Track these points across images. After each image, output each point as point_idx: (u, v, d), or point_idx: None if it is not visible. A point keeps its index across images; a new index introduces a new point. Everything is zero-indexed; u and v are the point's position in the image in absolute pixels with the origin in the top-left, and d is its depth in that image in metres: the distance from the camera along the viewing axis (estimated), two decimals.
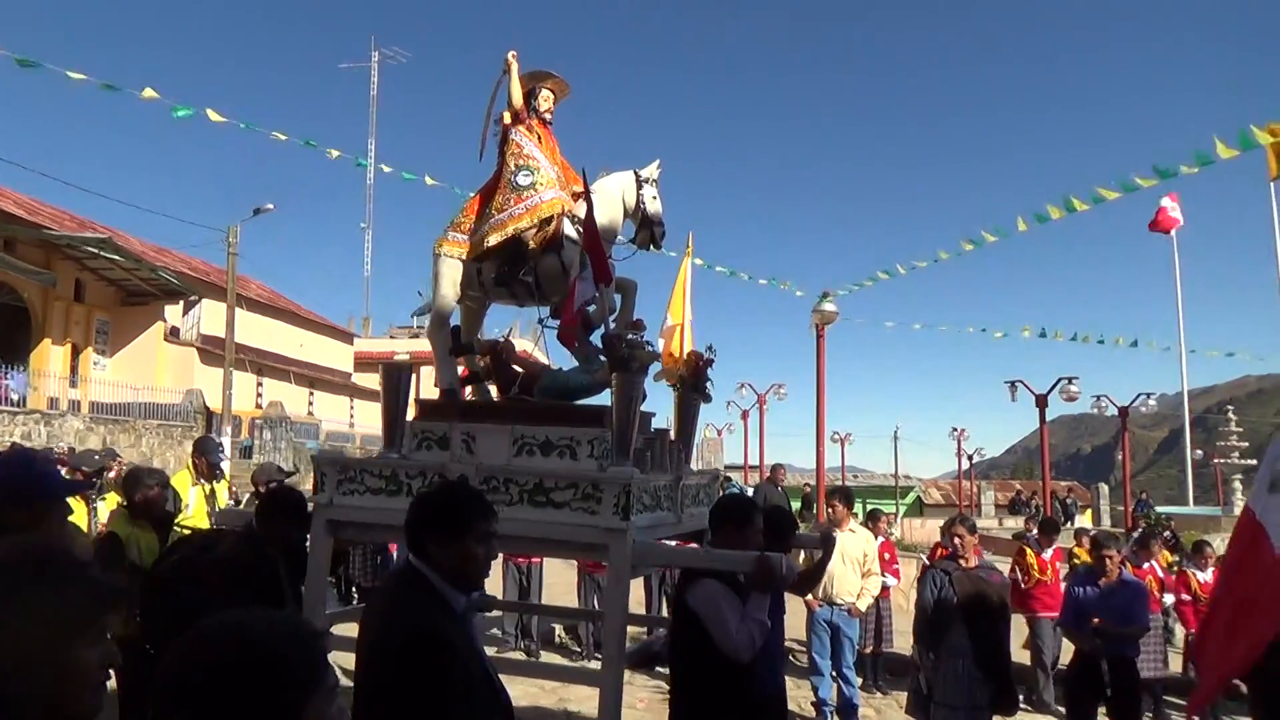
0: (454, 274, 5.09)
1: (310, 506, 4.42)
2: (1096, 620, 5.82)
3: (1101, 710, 6.00)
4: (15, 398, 21.30)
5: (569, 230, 4.84)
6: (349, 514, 4.32)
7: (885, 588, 8.46)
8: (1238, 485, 25.42)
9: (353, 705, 2.31)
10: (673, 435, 4.94)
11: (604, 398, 4.77)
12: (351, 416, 39.36)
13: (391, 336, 52.80)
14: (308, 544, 4.63)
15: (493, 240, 4.87)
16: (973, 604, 5.52)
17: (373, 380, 45.12)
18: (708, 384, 5.16)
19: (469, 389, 5.30)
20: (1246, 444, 27.13)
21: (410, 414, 4.65)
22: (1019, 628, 9.02)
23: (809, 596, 7.03)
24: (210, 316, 30.06)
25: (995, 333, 22.82)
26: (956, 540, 5.94)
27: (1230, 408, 29.82)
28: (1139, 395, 21.50)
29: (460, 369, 5.26)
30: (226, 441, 23.29)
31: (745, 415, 28.96)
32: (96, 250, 24.14)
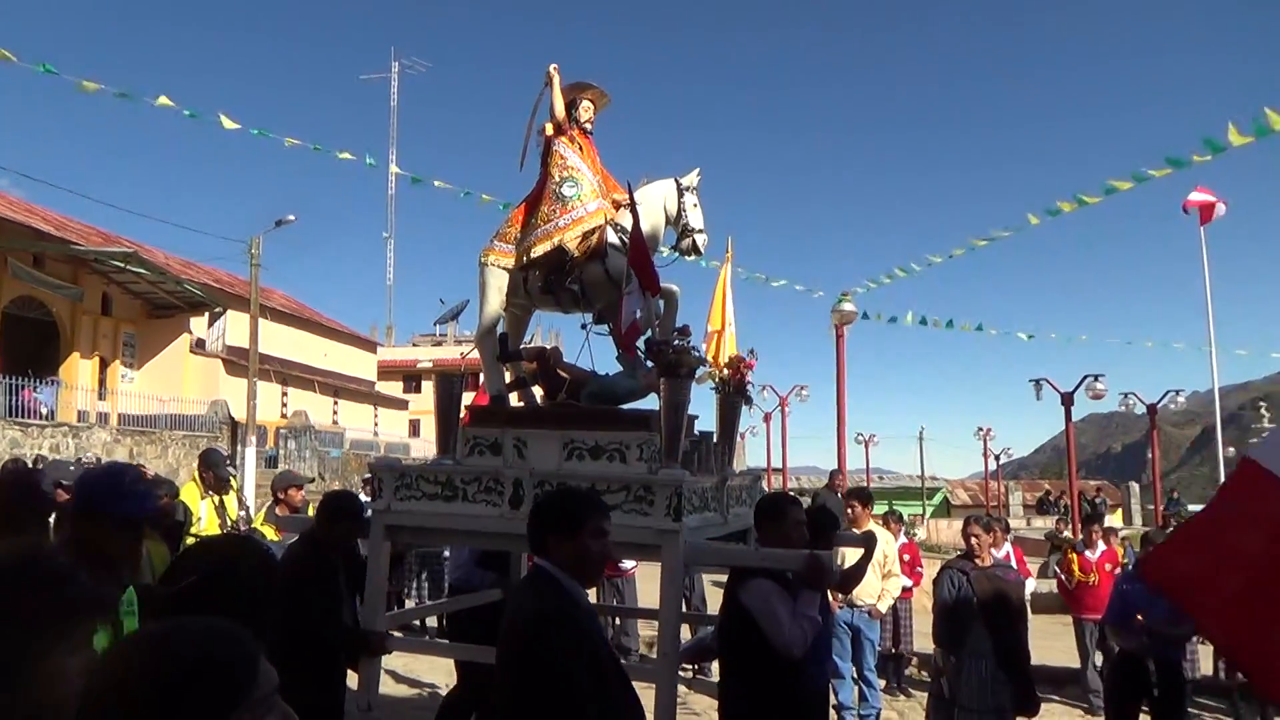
0: (500, 282, 5.20)
1: (369, 512, 4.53)
2: (1140, 618, 5.73)
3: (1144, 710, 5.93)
4: (45, 410, 21.60)
5: (612, 238, 4.94)
6: (406, 519, 4.42)
7: (906, 589, 8.45)
8: None
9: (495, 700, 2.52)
10: (715, 438, 5.00)
11: (649, 402, 4.85)
12: (376, 424, 39.62)
13: (414, 345, 53.21)
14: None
15: (539, 250, 4.96)
16: (992, 604, 5.46)
17: (396, 388, 45.58)
18: (749, 387, 5.22)
19: (514, 395, 5.39)
20: None
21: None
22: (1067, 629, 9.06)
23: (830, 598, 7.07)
24: (235, 328, 30.37)
25: (1021, 333, 22.65)
26: (972, 540, 5.85)
27: (1264, 404, 29.36)
28: (1168, 392, 21.26)
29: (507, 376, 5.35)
30: (251, 451, 23.52)
31: (767, 418, 28.88)
32: (123, 264, 24.49)
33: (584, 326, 5.27)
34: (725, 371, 5.09)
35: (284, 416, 31.11)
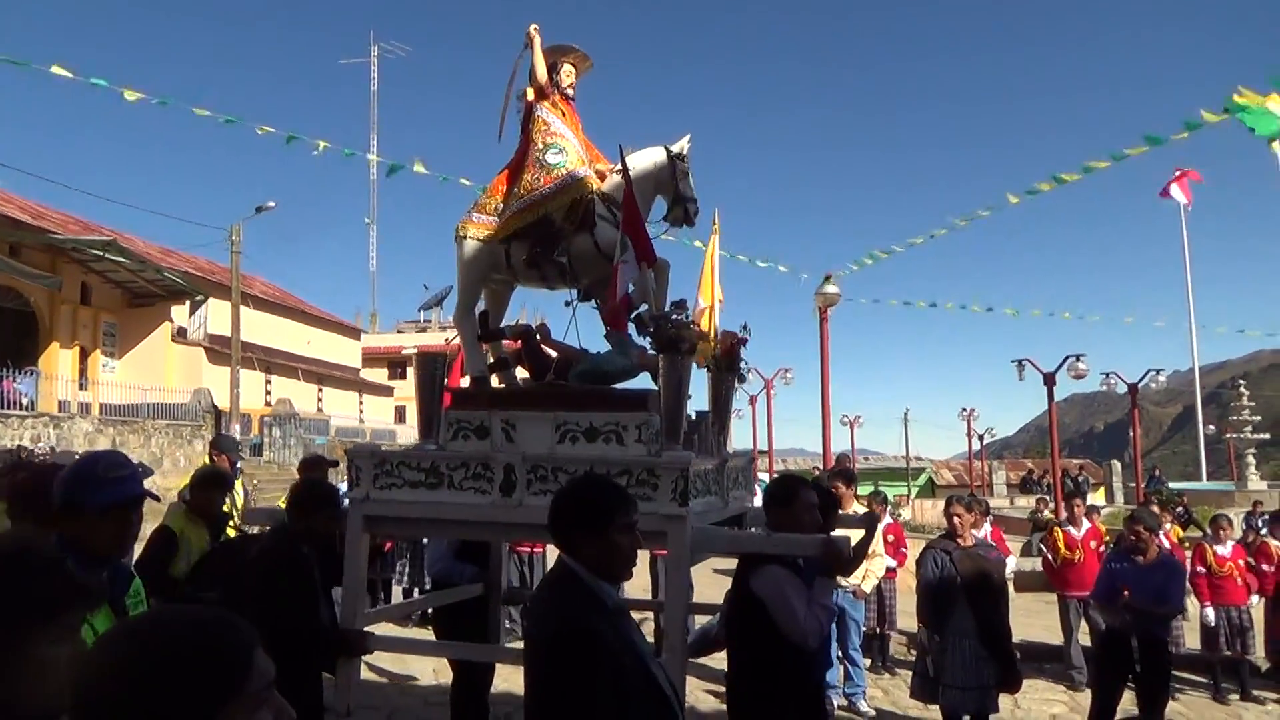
0: (479, 257, 4.91)
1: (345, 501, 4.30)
2: (1126, 594, 5.74)
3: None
4: (25, 401, 21.22)
5: (600, 209, 4.68)
6: (387, 509, 4.16)
7: (890, 569, 8.42)
8: (1251, 460, 25.18)
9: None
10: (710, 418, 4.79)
11: (641, 381, 4.65)
12: (361, 411, 39.30)
13: (399, 331, 52.81)
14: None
15: (523, 221, 4.70)
16: (975, 583, 5.57)
17: (381, 375, 45.23)
18: (742, 364, 5.03)
19: (495, 376, 5.16)
20: (1260, 419, 26.77)
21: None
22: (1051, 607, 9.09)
23: None
24: (217, 316, 29.96)
25: (1006, 309, 22.69)
26: (955, 519, 5.97)
27: (1243, 383, 29.42)
28: (1149, 372, 21.30)
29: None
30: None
31: (753, 400, 28.78)
32: (101, 253, 24.06)
33: (568, 303, 5.03)
34: (718, 348, 4.88)
35: (268, 405, 30.80)
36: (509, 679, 6.52)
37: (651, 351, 4.31)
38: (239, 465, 7.26)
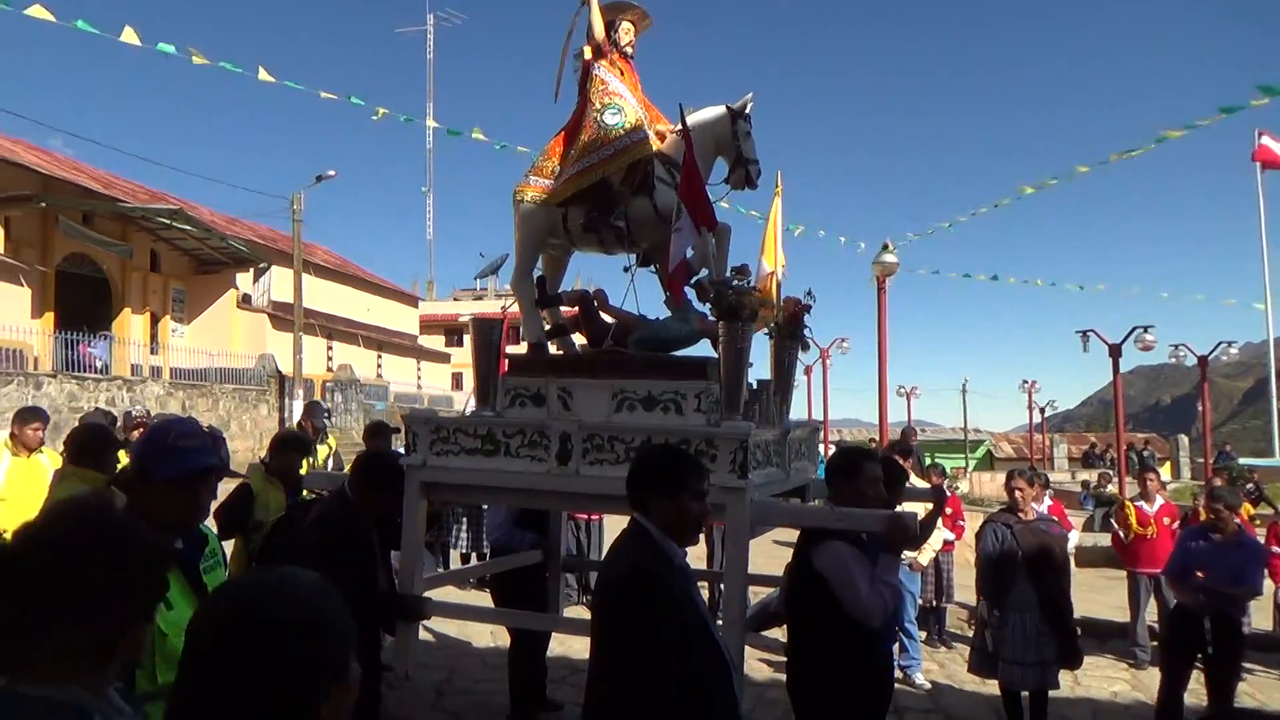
0: (536, 221, 4.82)
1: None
2: (1200, 574, 5.58)
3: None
4: (100, 365, 21.94)
5: (660, 171, 4.54)
6: (444, 475, 4.14)
7: (947, 542, 8.26)
8: None
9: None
10: (772, 387, 4.67)
11: (700, 348, 4.55)
12: (419, 377, 39.88)
13: (455, 299, 53.29)
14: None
15: (581, 184, 4.59)
16: (1036, 557, 5.50)
17: (438, 342, 45.80)
18: (805, 332, 4.89)
19: (553, 343, 5.09)
20: None
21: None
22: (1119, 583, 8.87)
23: None
24: (280, 283, 30.56)
25: (1070, 284, 21.97)
26: (1016, 493, 5.89)
27: None
28: (1220, 344, 20.54)
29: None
30: (299, 405, 23.75)
31: (808, 370, 28.40)
32: (169, 221, 24.66)
33: (627, 269, 4.94)
34: (780, 315, 4.74)
35: (329, 370, 31.40)
36: (564, 642, 6.57)
37: (711, 318, 4.20)
38: (327, 431, 7.62)
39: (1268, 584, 8.35)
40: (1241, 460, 25.59)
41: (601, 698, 2.42)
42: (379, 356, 37.40)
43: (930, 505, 5.20)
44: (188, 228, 25.30)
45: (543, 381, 4.10)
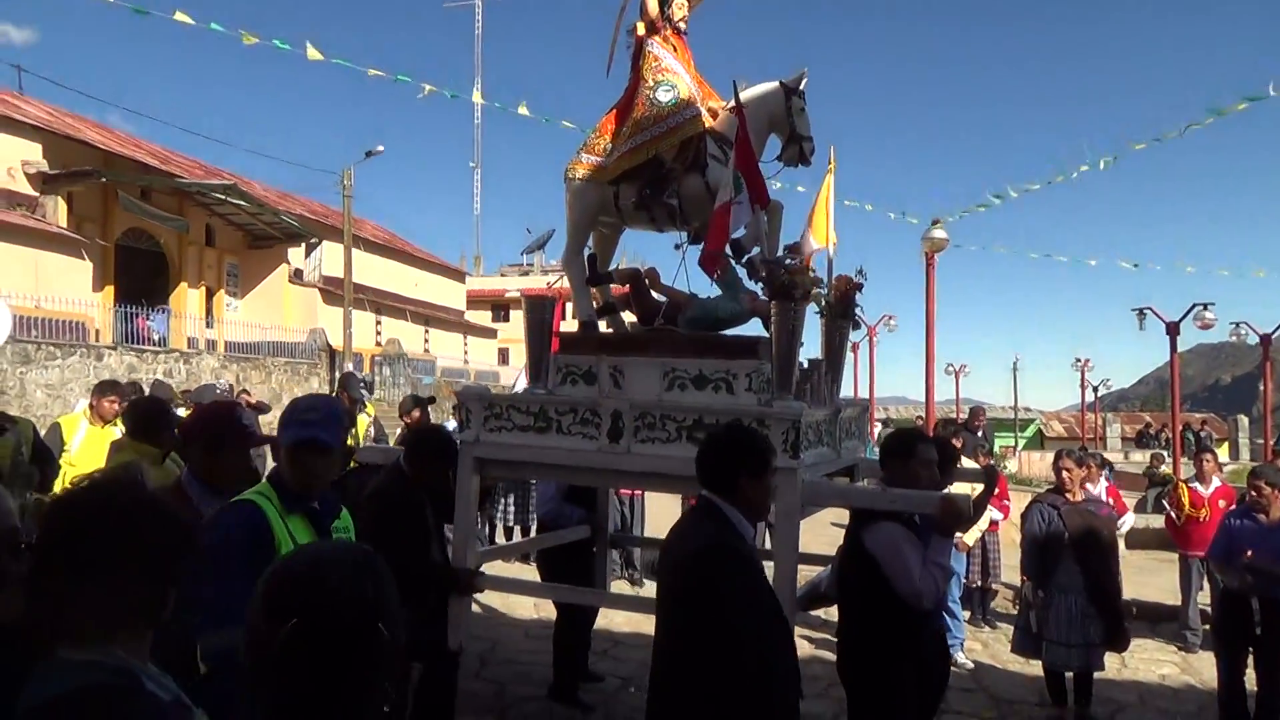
0: (588, 199, 4.82)
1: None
2: (1249, 555, 5.40)
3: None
4: (157, 337, 22.51)
5: (713, 149, 4.51)
6: (496, 451, 4.21)
7: (993, 522, 8.15)
8: None
9: (657, 625, 2.59)
10: (824, 367, 4.64)
11: (751, 327, 4.52)
12: (465, 353, 40.29)
13: (502, 274, 53.67)
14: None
15: (633, 161, 4.58)
16: (1083, 539, 5.46)
17: (484, 318, 46.19)
18: (857, 310, 4.84)
19: (603, 321, 5.11)
20: None
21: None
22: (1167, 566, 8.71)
23: None
24: (330, 258, 30.99)
25: (1123, 262, 21.52)
26: (1064, 474, 5.84)
27: None
28: None
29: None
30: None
31: (855, 348, 28.13)
32: (223, 196, 25.07)
33: (678, 246, 4.91)
34: (832, 294, 4.69)
35: (378, 345, 31.87)
36: (607, 615, 6.63)
37: (763, 297, 4.18)
38: (365, 402, 7.74)
39: None
40: None
41: (677, 670, 2.43)
42: (426, 331, 37.83)
43: (981, 486, 5.13)
44: (241, 203, 25.70)
45: (594, 360, 4.12)
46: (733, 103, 4.48)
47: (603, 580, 5.68)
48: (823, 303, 4.63)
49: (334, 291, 29.55)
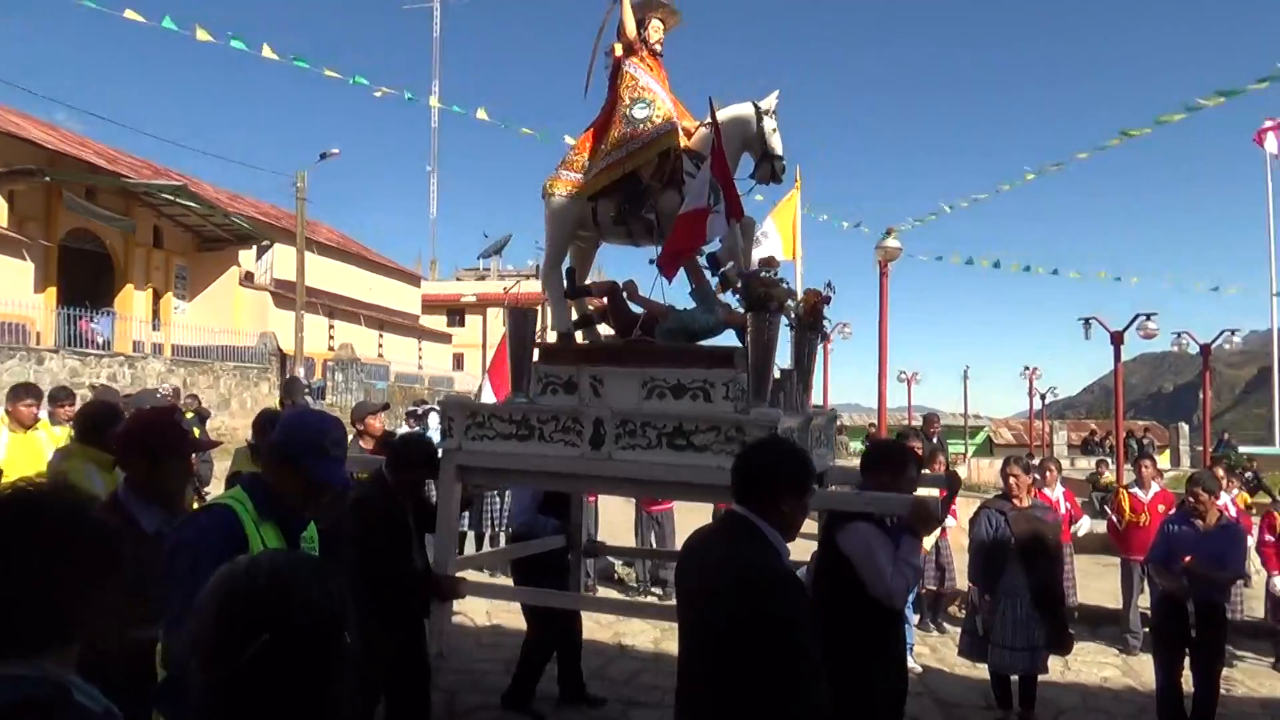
0: (567, 214, 4.95)
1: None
2: (1187, 560, 5.59)
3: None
4: (101, 340, 22.00)
5: (689, 166, 4.67)
6: (479, 459, 4.30)
7: (943, 528, 8.22)
8: None
9: (685, 648, 2.57)
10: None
11: (724, 338, 4.67)
12: (420, 357, 39.99)
13: (458, 279, 53.34)
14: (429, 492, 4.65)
15: (611, 177, 4.72)
16: (1029, 544, 5.58)
17: (439, 322, 45.88)
18: (825, 322, 5.02)
19: (580, 332, 5.23)
20: None
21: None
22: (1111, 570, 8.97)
23: None
24: (282, 261, 30.60)
25: (1072, 272, 22.16)
26: (1011, 480, 5.97)
27: None
28: (1223, 332, 20.58)
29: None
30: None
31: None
32: (172, 197, 24.62)
33: (653, 260, 5.05)
34: (801, 306, 4.87)
35: (331, 349, 31.51)
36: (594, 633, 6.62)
37: (737, 309, 4.33)
38: (309, 406, 7.49)
39: (1260, 572, 8.50)
40: (1241, 449, 25.80)
41: (725, 697, 2.34)
42: (380, 336, 37.49)
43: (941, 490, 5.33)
44: (191, 204, 25.26)
45: (574, 369, 4.25)
46: (707, 121, 4.64)
47: (577, 589, 5.77)
48: (793, 315, 4.80)
49: (286, 295, 29.17)
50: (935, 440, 12.49)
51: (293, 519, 2.46)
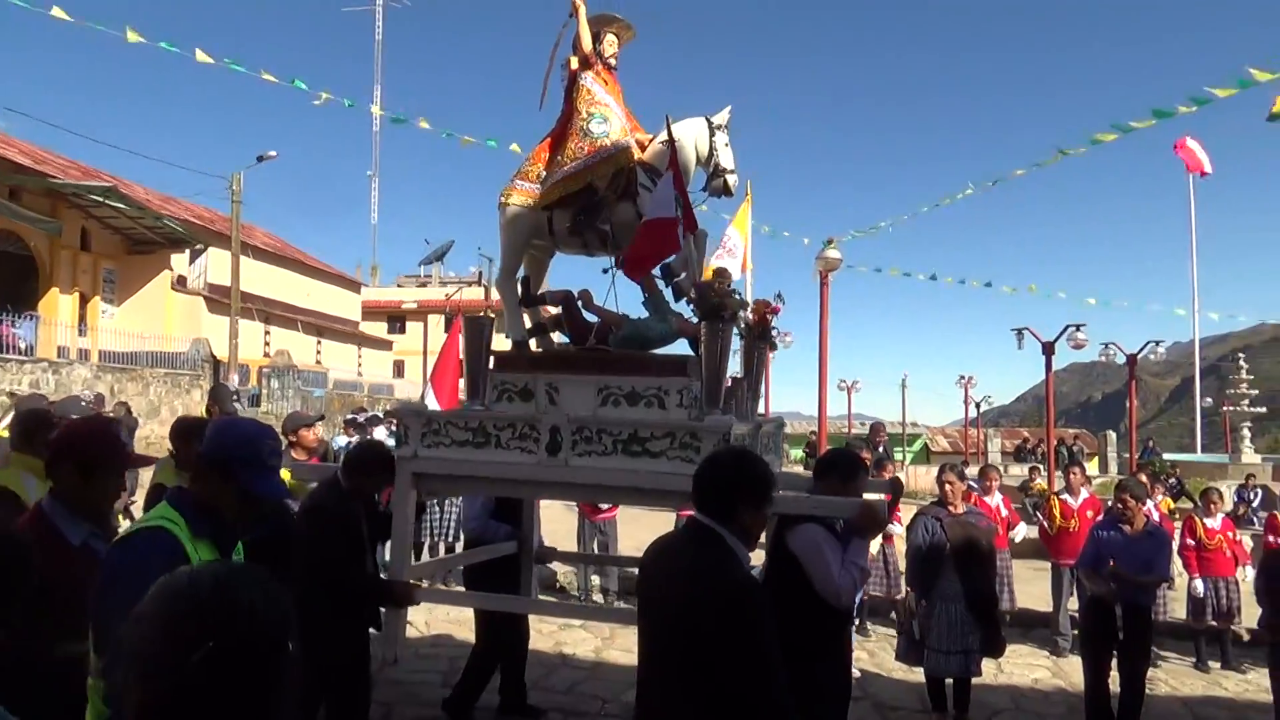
0: (523, 224, 5.01)
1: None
2: (1113, 564, 5.79)
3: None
4: (24, 346, 21.22)
5: (643, 179, 4.77)
6: (434, 466, 4.31)
7: (892, 535, 8.40)
8: (1246, 434, 25.47)
9: (648, 654, 2.58)
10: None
11: (678, 346, 4.76)
12: (360, 365, 39.38)
13: (399, 285, 52.68)
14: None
15: (567, 189, 4.79)
16: (963, 549, 5.72)
17: (380, 329, 45.26)
18: (774, 332, 5.14)
19: (534, 341, 5.27)
20: (1257, 392, 27.01)
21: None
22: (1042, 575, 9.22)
23: None
24: (217, 265, 29.92)
25: (1005, 286, 22.87)
26: (946, 487, 6.13)
27: (1242, 356, 29.72)
28: (1148, 343, 21.40)
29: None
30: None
31: None
32: (102, 199, 23.91)
33: (606, 270, 5.12)
34: (751, 316, 4.98)
35: (266, 356, 30.83)
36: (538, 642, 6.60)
37: (690, 318, 4.42)
38: (236, 414, 7.16)
39: (1182, 575, 8.77)
40: (1166, 455, 26.83)
41: (701, 702, 2.38)
42: (318, 342, 36.83)
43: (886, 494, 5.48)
44: (121, 206, 24.55)
45: (530, 377, 4.30)
46: (662, 135, 4.74)
47: (528, 595, 5.78)
48: (742, 325, 4.91)
49: (220, 300, 28.51)
50: (881, 449, 12.75)
51: (226, 535, 2.34)
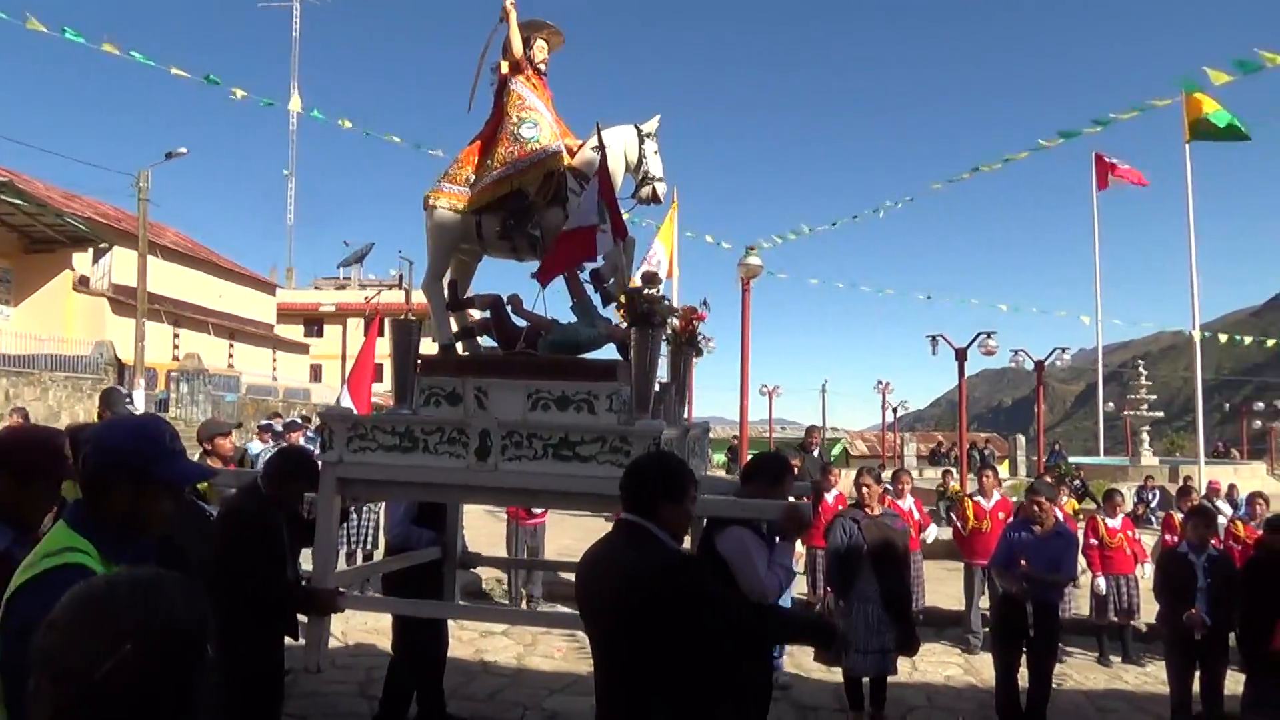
0: (450, 227, 4.96)
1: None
2: (1024, 564, 5.95)
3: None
4: None
5: (572, 184, 4.78)
6: (360, 471, 4.22)
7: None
8: (1145, 437, 26.75)
9: (603, 653, 2.68)
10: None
11: (605, 351, 4.78)
12: (275, 368, 38.24)
13: (316, 288, 51.36)
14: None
15: (496, 193, 4.77)
16: (880, 551, 5.85)
17: (296, 332, 44.07)
18: (700, 338, 5.20)
19: (460, 345, 5.21)
20: (1155, 397, 28.45)
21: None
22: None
23: None
24: (122, 265, 28.68)
25: (920, 294, 23.56)
26: (863, 490, 6.26)
27: (1141, 363, 31.27)
28: (1055, 350, 22.33)
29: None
30: (140, 395, 22.41)
31: None
32: None
33: (534, 275, 5.12)
34: (678, 323, 5.04)
35: (175, 359, 29.73)
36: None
37: (622, 324, 4.45)
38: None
39: (1086, 573, 9.20)
40: (1071, 458, 27.94)
41: (673, 679, 2.54)
42: (231, 345, 35.68)
43: (807, 497, 5.59)
44: (18, 201, 23.41)
45: (459, 381, 4.24)
46: (590, 141, 4.76)
47: (451, 601, 5.70)
48: (670, 331, 4.96)
49: (125, 301, 27.38)
50: (816, 453, 12.97)
51: (140, 555, 2.09)
